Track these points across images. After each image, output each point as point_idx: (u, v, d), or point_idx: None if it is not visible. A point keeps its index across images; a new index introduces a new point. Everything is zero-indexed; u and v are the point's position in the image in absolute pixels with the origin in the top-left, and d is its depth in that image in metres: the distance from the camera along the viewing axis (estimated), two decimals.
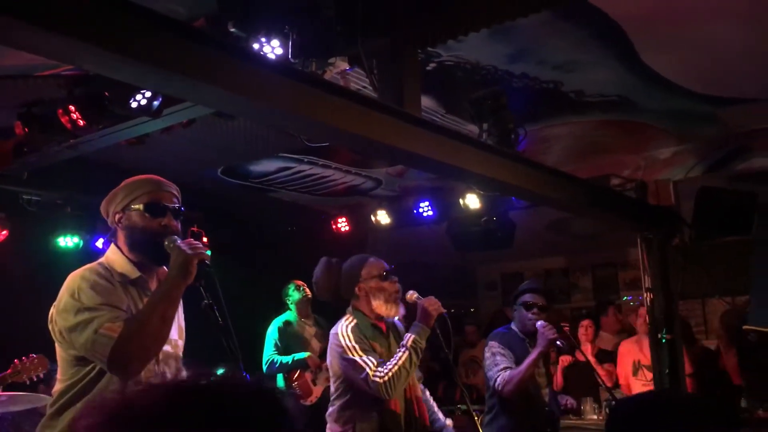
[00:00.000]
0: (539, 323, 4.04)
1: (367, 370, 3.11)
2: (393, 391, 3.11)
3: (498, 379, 3.89)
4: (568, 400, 5.82)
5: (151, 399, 0.81)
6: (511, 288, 4.90)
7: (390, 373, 3.09)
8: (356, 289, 3.35)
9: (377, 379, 3.08)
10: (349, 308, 3.39)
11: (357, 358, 3.15)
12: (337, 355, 3.25)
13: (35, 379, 3.88)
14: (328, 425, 3.33)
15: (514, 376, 3.89)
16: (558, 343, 3.96)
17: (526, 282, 4.47)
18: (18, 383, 3.86)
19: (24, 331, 3.65)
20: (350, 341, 3.21)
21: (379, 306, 3.32)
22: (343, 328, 3.27)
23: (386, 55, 3.54)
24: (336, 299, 3.46)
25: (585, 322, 6.55)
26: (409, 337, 3.21)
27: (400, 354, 3.15)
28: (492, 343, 4.10)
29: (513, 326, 4.27)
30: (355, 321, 3.30)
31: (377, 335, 3.32)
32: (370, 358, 3.15)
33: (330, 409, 3.36)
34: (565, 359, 6.34)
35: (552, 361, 6.34)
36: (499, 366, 3.96)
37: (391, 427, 3.21)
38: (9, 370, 3.80)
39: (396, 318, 3.45)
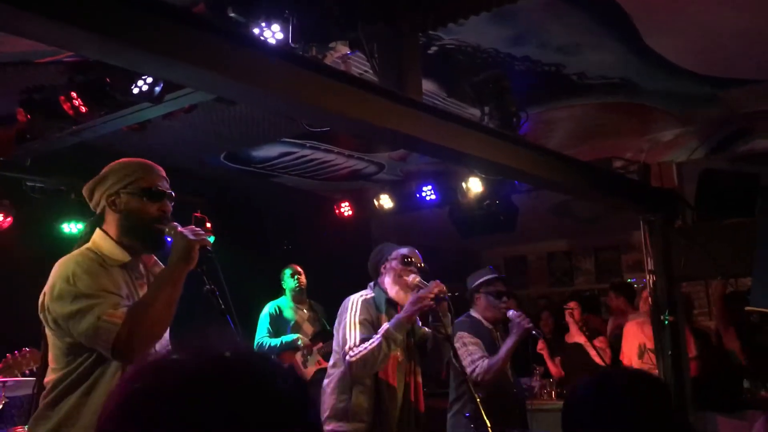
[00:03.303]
0: (511, 312, 4.02)
1: (350, 343, 3.19)
2: (360, 372, 3.18)
3: (477, 369, 3.87)
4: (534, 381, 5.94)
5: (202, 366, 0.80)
6: (515, 271, 4.89)
7: (359, 355, 3.15)
8: (382, 267, 3.45)
9: (348, 357, 3.17)
10: (371, 283, 3.47)
11: (350, 329, 3.22)
12: (341, 321, 3.32)
13: (27, 373, 3.82)
14: (324, 397, 3.34)
15: (493, 365, 3.88)
16: (534, 332, 3.96)
17: (489, 269, 4.36)
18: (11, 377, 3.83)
19: (29, 317, 3.66)
20: (355, 310, 3.28)
21: (390, 286, 3.39)
22: (356, 298, 3.36)
23: (387, 39, 3.53)
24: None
25: (571, 304, 6.47)
26: (384, 327, 3.23)
27: (373, 340, 3.19)
28: (462, 333, 4.02)
29: (473, 314, 4.19)
30: (371, 295, 3.38)
31: (390, 311, 3.36)
32: (358, 333, 3.20)
33: (326, 380, 3.39)
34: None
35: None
36: (474, 355, 3.93)
37: (387, 399, 3.26)
38: (0, 365, 3.76)
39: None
